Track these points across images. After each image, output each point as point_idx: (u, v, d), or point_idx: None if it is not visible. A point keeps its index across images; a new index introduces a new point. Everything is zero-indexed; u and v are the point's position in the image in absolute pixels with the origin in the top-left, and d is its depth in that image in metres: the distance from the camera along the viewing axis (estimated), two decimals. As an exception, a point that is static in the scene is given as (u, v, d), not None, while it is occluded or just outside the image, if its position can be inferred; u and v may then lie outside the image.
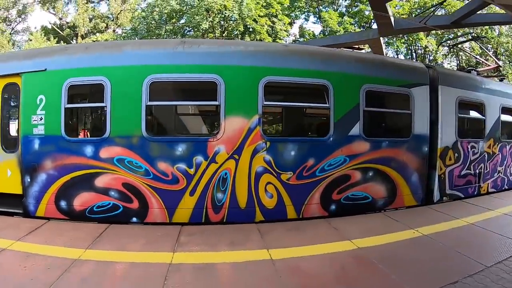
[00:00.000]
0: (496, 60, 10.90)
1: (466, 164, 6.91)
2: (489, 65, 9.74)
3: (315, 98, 5.80)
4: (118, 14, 19.84)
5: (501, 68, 10.38)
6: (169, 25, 16.91)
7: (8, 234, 4.20)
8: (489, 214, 5.61)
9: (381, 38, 10.40)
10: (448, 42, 19.07)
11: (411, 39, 22.19)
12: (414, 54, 25.06)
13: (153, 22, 17.21)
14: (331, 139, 5.48)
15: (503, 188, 7.86)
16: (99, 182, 4.85)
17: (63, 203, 4.93)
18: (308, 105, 6.38)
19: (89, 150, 4.83)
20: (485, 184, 7.43)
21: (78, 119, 6.06)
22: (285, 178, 5.17)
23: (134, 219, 4.89)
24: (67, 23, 19.96)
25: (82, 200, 4.91)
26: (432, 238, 4.55)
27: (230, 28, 17.39)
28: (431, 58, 24.12)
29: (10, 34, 19.99)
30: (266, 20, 17.71)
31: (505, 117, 7.67)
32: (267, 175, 5.09)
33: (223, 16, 16.43)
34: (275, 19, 18.48)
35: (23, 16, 20.26)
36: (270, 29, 18.00)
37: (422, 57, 24.30)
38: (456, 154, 6.71)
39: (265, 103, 5.01)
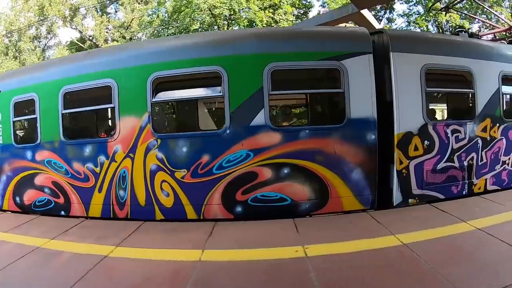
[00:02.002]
0: (508, 22, 7.87)
1: (446, 154, 4.69)
2: (498, 27, 6.99)
3: (208, 88, 4.53)
4: (130, 22, 19.81)
5: None
6: (170, 28, 16.38)
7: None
8: (452, 229, 3.49)
9: (366, 12, 8.14)
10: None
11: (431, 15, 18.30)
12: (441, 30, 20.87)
13: (157, 26, 16.84)
14: (228, 131, 4.22)
15: (510, 186, 5.36)
16: (37, 180, 5.19)
17: (17, 199, 5.42)
18: (199, 96, 5.06)
19: (29, 154, 5.21)
20: (481, 181, 5.05)
21: (23, 129, 6.66)
22: (180, 176, 4.41)
23: (62, 213, 5.08)
24: (89, 36, 20.41)
25: (28, 196, 5.33)
26: (312, 261, 2.96)
27: (225, 24, 16.10)
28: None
29: (43, 50, 21.18)
30: (267, 12, 16.11)
31: (510, 88, 5.16)
32: (161, 173, 4.50)
33: (213, 14, 15.25)
34: (278, 10, 16.74)
35: (51, 33, 21.07)
36: (271, 20, 16.30)
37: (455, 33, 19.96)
38: (426, 142, 4.56)
39: (153, 100, 4.51)
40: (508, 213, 3.98)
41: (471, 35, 5.94)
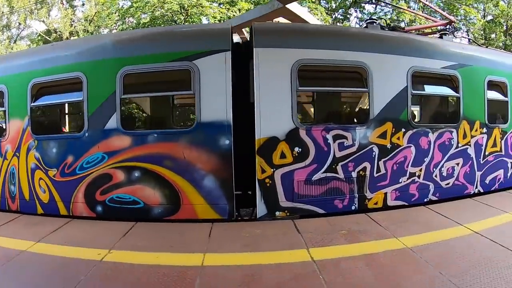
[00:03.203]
0: (447, 15, 6.24)
1: (325, 163, 3.96)
2: (435, 21, 5.66)
3: (74, 93, 4.43)
4: (94, 15, 18.83)
5: (454, 24, 5.90)
6: (124, 24, 16.22)
7: None
8: (284, 256, 2.89)
9: (295, 6, 7.00)
10: None
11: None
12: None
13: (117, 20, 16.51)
14: (87, 134, 4.13)
15: (425, 200, 4.37)
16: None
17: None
18: (68, 101, 4.98)
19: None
20: (378, 195, 4.19)
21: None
22: (52, 174, 4.45)
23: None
24: (54, 29, 19.52)
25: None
26: (100, 264, 2.66)
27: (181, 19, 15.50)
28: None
29: (15, 41, 20.14)
30: (222, 8, 15.17)
31: (423, 87, 4.15)
32: (38, 171, 4.57)
33: (163, 9, 14.79)
34: (233, 7, 15.72)
35: (22, 25, 19.72)
36: (225, 16, 15.34)
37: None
38: (297, 149, 3.88)
39: (32, 104, 4.58)
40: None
41: (394, 28, 4.91)
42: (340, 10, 17.29)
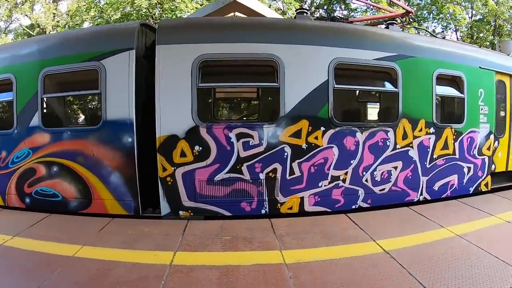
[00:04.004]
0: (403, 5, 5.18)
1: (228, 163, 3.70)
2: (391, 12, 4.83)
3: (8, 93, 4.52)
4: (74, 11, 17.95)
5: (412, 15, 4.98)
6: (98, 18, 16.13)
7: None
8: (138, 256, 2.81)
9: (250, 0, 6.49)
10: None
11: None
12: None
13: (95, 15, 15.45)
14: (16, 131, 4.31)
15: (353, 207, 3.88)
16: None
17: None
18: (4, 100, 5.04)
19: None
20: (292, 199, 3.80)
21: None
22: None
23: None
24: (37, 23, 18.81)
25: None
26: None
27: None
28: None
29: (4, 33, 19.87)
30: (196, 3, 14.65)
31: (351, 81, 3.66)
32: None
33: (133, 7, 14.59)
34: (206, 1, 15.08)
35: (10, 18, 19.21)
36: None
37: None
38: (198, 148, 3.69)
39: None
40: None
41: (333, 18, 4.37)
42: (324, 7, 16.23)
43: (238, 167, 3.71)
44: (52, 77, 4.06)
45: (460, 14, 16.32)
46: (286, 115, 3.68)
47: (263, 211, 3.82)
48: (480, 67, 4.38)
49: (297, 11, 4.31)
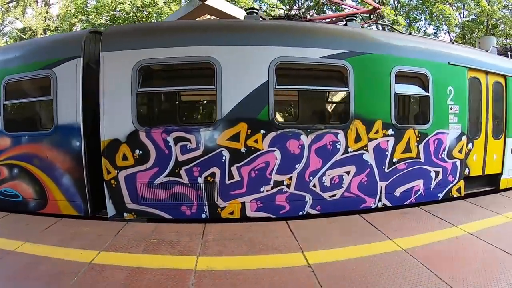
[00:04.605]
0: (371, 2, 4.49)
1: (167, 167, 3.64)
2: (358, 9, 4.37)
3: None
4: (64, 14, 17.75)
5: (380, 11, 4.42)
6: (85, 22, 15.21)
7: None
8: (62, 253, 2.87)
9: (220, 3, 6.23)
10: None
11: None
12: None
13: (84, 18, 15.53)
14: None
15: (300, 214, 3.61)
16: None
17: None
18: None
19: None
20: (233, 204, 3.63)
21: None
22: None
23: None
24: (28, 27, 18.88)
25: None
26: None
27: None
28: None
29: None
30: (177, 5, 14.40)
31: (295, 81, 3.42)
32: None
33: (116, 11, 14.66)
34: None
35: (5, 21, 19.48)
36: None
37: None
38: (138, 151, 3.67)
39: None
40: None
41: (290, 17, 4.13)
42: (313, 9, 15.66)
43: (176, 170, 3.64)
44: (13, 84, 4.28)
45: (450, 14, 15.59)
46: (223, 118, 3.54)
47: (203, 216, 3.70)
48: (449, 63, 3.87)
49: (247, 11, 4.15)
